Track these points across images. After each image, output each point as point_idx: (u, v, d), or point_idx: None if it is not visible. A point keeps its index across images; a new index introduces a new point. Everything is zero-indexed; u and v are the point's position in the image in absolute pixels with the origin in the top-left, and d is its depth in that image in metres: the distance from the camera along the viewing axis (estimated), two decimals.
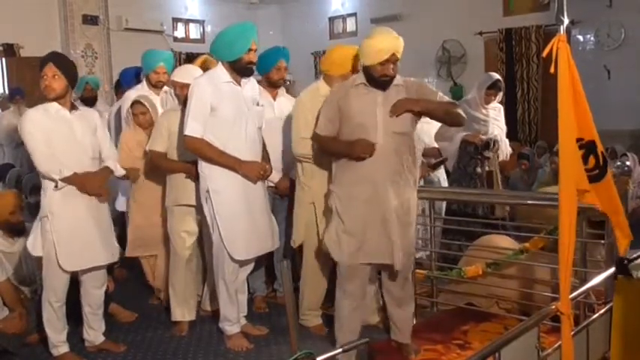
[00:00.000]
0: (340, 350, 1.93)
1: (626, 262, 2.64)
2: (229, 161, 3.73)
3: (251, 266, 4.08)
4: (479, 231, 4.74)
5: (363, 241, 3.43)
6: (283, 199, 4.44)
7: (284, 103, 4.49)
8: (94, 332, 3.98)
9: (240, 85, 3.80)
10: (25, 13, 8.69)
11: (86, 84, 6.36)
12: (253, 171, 3.78)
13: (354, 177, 3.44)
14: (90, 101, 6.28)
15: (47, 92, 3.65)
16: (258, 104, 3.93)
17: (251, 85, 3.93)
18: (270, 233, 4.00)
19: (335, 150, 3.55)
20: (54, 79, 3.63)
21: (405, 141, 3.44)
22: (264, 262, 4.51)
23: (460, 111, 3.50)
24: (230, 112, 3.74)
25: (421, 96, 3.47)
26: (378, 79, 3.37)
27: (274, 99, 4.45)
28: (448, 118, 3.53)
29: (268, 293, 4.73)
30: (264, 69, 4.42)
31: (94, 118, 3.89)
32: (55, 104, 3.66)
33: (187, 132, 3.71)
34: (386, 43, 3.31)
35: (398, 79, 3.45)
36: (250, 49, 3.73)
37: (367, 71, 3.39)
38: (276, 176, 4.30)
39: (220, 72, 3.78)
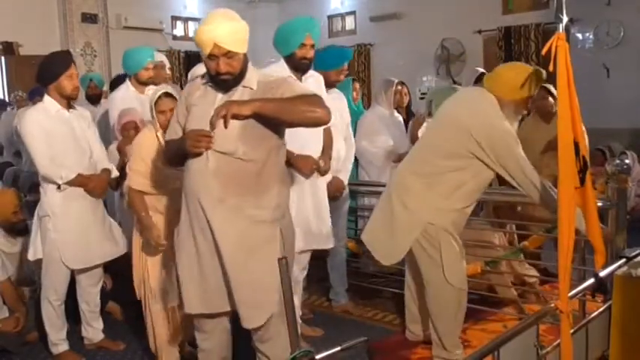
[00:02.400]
0: (339, 349, 1.93)
1: (625, 259, 2.65)
2: None
3: (307, 268, 3.89)
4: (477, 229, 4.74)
5: (200, 284, 2.81)
6: (331, 201, 4.18)
7: (330, 100, 4.33)
8: (93, 330, 4.00)
9: (300, 80, 3.63)
10: (24, 12, 8.68)
11: (90, 81, 6.33)
12: (307, 165, 3.58)
13: (183, 197, 2.84)
14: (94, 99, 6.25)
15: (75, 93, 3.69)
16: None
17: (313, 81, 3.75)
18: (327, 230, 3.84)
19: (172, 152, 2.89)
20: (78, 80, 3.68)
21: (229, 164, 2.66)
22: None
23: (318, 104, 2.65)
24: None
25: (269, 95, 2.67)
26: (213, 77, 2.71)
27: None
28: (296, 118, 2.63)
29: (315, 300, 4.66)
30: (325, 66, 4.22)
31: (88, 117, 3.91)
32: (54, 103, 3.66)
33: None
34: (202, 35, 2.63)
35: (250, 80, 2.73)
36: (304, 44, 3.56)
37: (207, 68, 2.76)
38: (326, 177, 4.06)
39: (280, 67, 3.65)
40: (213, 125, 2.56)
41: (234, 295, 2.74)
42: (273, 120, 2.64)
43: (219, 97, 2.72)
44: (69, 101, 3.73)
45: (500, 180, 5.55)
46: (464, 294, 3.43)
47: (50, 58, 3.75)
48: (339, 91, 4.52)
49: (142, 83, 4.63)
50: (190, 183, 2.75)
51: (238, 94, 2.70)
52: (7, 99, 8.40)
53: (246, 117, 2.56)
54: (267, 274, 2.68)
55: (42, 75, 3.70)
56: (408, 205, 3.36)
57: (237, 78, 2.70)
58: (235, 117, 2.54)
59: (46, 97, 3.69)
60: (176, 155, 2.83)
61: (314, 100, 2.68)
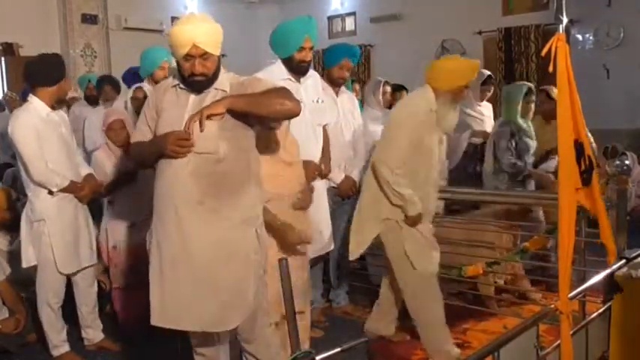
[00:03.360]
0: (339, 350, 1.93)
1: (625, 260, 2.65)
2: None
3: (308, 271, 3.80)
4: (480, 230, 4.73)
5: (162, 293, 2.73)
6: (344, 200, 4.23)
7: (345, 100, 4.30)
8: (93, 331, 4.00)
9: (299, 82, 3.65)
10: (24, 13, 8.68)
11: (88, 82, 6.32)
12: (309, 171, 3.59)
13: (155, 201, 2.78)
14: (92, 100, 6.24)
15: (66, 95, 3.67)
16: (318, 101, 3.75)
17: (313, 82, 3.76)
18: (328, 233, 3.84)
19: (145, 153, 2.82)
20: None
21: (209, 165, 2.63)
22: (321, 270, 4.34)
23: (287, 96, 2.69)
24: None
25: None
26: (186, 78, 2.67)
27: (337, 95, 4.21)
28: (267, 111, 2.66)
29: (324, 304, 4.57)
30: (327, 64, 4.22)
31: (67, 119, 3.88)
32: (44, 106, 3.60)
33: None
34: (180, 35, 2.59)
35: (222, 82, 2.71)
36: (303, 47, 3.54)
37: (179, 69, 2.72)
38: (337, 176, 4.08)
39: (278, 68, 3.66)
40: (188, 130, 2.55)
41: (209, 299, 2.68)
42: (246, 114, 2.65)
43: (192, 99, 2.69)
44: (53, 104, 3.68)
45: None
46: (434, 281, 3.45)
47: (49, 61, 3.68)
48: (349, 92, 4.49)
49: (156, 83, 4.60)
50: (166, 185, 2.69)
51: (211, 96, 2.68)
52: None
53: (221, 115, 2.57)
54: (245, 274, 2.71)
55: (35, 75, 3.61)
56: (371, 199, 3.50)
57: (210, 80, 2.68)
58: (210, 117, 2.54)
59: (35, 99, 3.59)
60: (150, 157, 2.77)
61: (283, 92, 2.70)
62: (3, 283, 4.05)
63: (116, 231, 4.15)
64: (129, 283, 4.16)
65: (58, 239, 3.65)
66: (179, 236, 2.67)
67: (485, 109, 5.44)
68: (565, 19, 2.23)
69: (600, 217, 2.53)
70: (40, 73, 3.61)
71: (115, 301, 4.32)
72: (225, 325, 2.74)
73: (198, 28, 2.58)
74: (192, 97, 2.70)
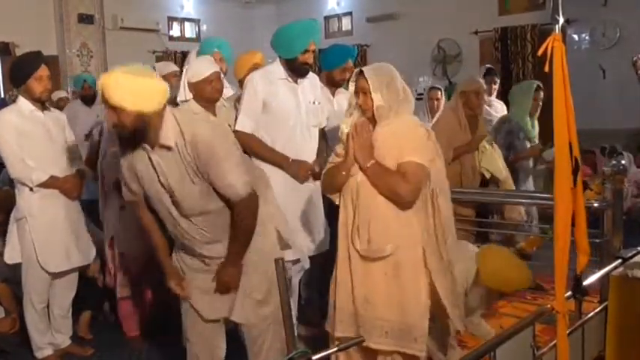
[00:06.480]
0: (336, 349, 1.93)
1: (621, 260, 2.65)
2: (277, 158, 3.62)
3: (302, 270, 3.84)
4: (494, 231, 4.70)
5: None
6: None
7: (342, 100, 4.21)
8: (62, 336, 3.92)
9: (297, 82, 3.69)
10: (20, 12, 8.66)
11: (84, 82, 6.32)
12: (301, 170, 3.64)
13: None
14: (87, 99, 6.23)
15: (46, 96, 3.64)
16: (314, 102, 3.79)
17: (310, 82, 3.80)
18: (325, 234, 3.83)
19: None
20: (49, 82, 3.63)
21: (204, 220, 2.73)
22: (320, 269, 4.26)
23: (252, 225, 2.81)
24: (282, 109, 3.64)
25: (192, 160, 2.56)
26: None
27: (333, 95, 4.24)
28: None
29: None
30: (328, 66, 4.24)
31: (63, 119, 3.88)
32: (28, 104, 3.61)
33: (237, 127, 3.62)
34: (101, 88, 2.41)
35: (166, 138, 2.52)
36: (307, 50, 3.59)
37: None
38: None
39: (276, 68, 3.69)
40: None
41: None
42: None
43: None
44: (43, 103, 3.68)
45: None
46: None
47: (19, 60, 3.73)
48: (346, 92, 4.49)
49: None
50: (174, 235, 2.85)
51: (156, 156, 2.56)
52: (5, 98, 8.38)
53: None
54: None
55: (12, 77, 3.68)
56: None
57: (139, 136, 2.48)
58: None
59: (20, 98, 3.65)
60: None
61: (249, 223, 2.75)
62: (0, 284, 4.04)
63: (125, 238, 4.04)
64: (134, 292, 4.12)
65: (40, 236, 3.62)
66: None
67: (495, 107, 5.45)
68: (561, 19, 2.23)
69: (578, 215, 2.53)
70: (13, 74, 3.69)
71: (119, 311, 4.26)
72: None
73: (111, 83, 2.36)
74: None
